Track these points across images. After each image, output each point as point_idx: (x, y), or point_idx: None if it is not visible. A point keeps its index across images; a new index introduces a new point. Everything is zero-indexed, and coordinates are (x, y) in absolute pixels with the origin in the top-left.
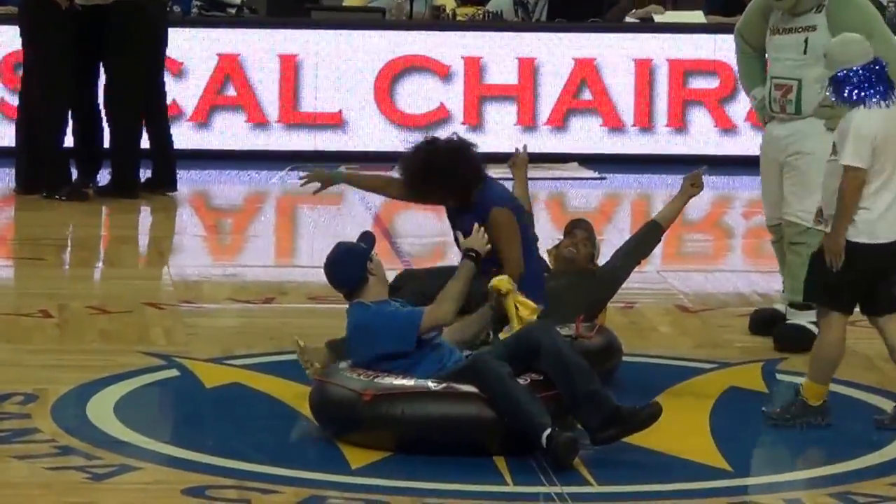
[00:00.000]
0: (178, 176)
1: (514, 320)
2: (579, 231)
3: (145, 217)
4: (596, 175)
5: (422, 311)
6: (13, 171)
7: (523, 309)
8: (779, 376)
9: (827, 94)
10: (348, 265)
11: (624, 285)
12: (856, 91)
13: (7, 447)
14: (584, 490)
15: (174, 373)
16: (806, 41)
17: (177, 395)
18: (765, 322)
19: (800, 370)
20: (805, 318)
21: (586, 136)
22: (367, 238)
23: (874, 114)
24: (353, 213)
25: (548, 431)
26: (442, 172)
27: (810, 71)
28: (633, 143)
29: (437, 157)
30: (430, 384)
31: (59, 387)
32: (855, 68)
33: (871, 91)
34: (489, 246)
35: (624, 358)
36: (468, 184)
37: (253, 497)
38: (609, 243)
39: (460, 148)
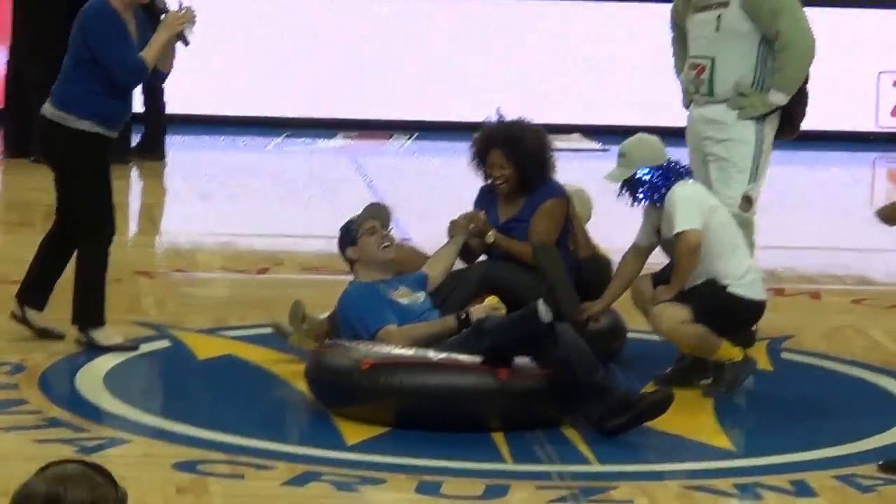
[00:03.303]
0: (169, 141)
1: None
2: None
3: (136, 182)
4: (598, 146)
5: (384, 325)
6: (1, 133)
7: None
8: (784, 355)
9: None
10: (339, 247)
11: None
12: (648, 193)
13: None
14: (584, 469)
15: (165, 343)
16: (719, 18)
17: (168, 366)
18: None
19: (806, 349)
20: None
21: (590, 107)
22: (364, 212)
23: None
24: (349, 182)
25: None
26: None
27: (723, 49)
28: (633, 115)
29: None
30: (430, 354)
31: (47, 357)
32: (649, 170)
33: (667, 183)
34: (497, 314)
35: (628, 335)
36: (550, 167)
37: (246, 472)
38: (611, 216)
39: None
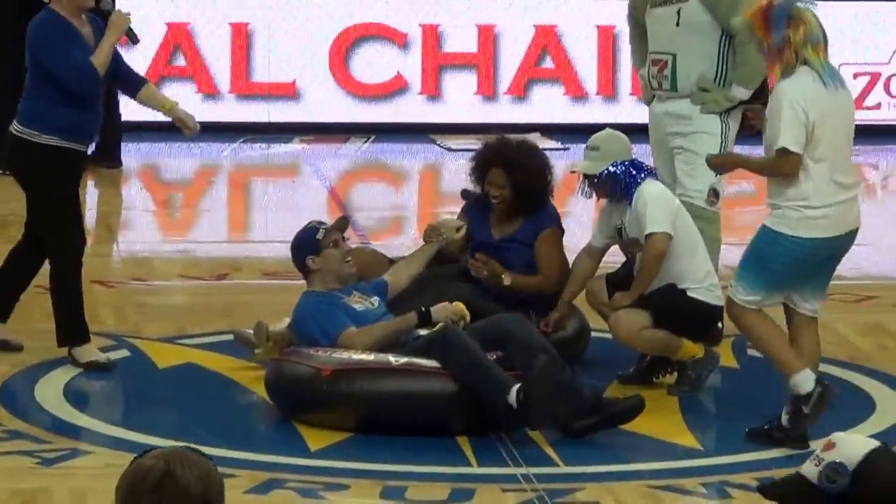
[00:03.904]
0: (125, 149)
1: None
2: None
3: (91, 191)
4: (559, 145)
5: (344, 329)
6: None
7: None
8: (750, 352)
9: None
10: (294, 254)
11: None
12: (618, 187)
13: None
14: (550, 471)
15: (125, 353)
16: (678, 13)
17: (128, 376)
18: None
19: None
20: None
21: (548, 105)
22: (335, 224)
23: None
24: (307, 186)
25: (518, 386)
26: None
27: (684, 44)
28: (596, 113)
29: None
30: (392, 359)
31: (5, 368)
32: (621, 164)
33: (638, 179)
34: (454, 320)
35: (592, 334)
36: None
37: None
38: (573, 216)
39: None
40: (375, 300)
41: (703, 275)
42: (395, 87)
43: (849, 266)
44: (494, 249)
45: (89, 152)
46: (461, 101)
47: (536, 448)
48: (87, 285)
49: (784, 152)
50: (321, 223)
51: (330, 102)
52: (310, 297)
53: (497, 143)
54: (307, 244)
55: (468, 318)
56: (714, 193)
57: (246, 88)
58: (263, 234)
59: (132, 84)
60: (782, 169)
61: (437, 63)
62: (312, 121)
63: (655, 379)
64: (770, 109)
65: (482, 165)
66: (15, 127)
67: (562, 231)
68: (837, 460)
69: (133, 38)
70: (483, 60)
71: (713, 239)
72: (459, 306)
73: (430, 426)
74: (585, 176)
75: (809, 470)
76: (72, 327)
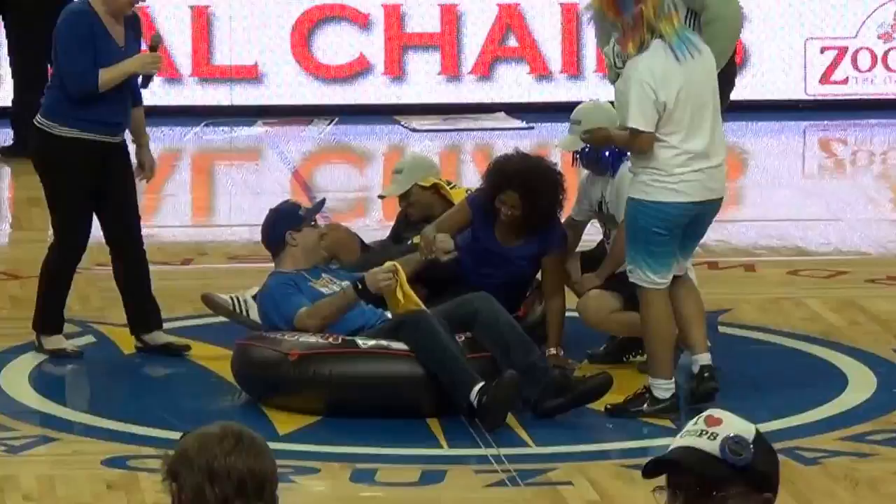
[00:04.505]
0: None
1: (394, 302)
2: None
3: None
4: (524, 125)
5: (298, 310)
6: None
7: (407, 301)
8: (721, 329)
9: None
10: (272, 227)
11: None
12: (609, 159)
13: None
14: (521, 451)
15: (91, 339)
16: None
17: (94, 362)
18: None
19: (743, 322)
20: None
21: (513, 84)
22: (316, 205)
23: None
24: (271, 169)
25: (480, 385)
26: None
27: None
28: (561, 91)
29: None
30: (359, 342)
31: None
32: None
33: (623, 156)
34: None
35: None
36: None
37: None
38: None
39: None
40: (346, 285)
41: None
42: (359, 69)
43: (819, 241)
44: (498, 258)
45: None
46: (425, 81)
47: (507, 429)
48: None
49: (635, 132)
50: (298, 203)
51: (293, 84)
52: (276, 279)
53: (517, 164)
54: (289, 218)
55: (400, 269)
56: None
57: (208, 72)
58: (228, 218)
59: (132, 96)
60: (636, 146)
61: (401, 43)
62: (275, 103)
63: (626, 359)
64: (620, 87)
65: (498, 182)
66: (37, 118)
67: (566, 250)
68: (735, 433)
69: (146, 83)
70: (446, 40)
71: None
72: (388, 264)
73: (400, 408)
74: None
75: (705, 444)
76: (49, 316)
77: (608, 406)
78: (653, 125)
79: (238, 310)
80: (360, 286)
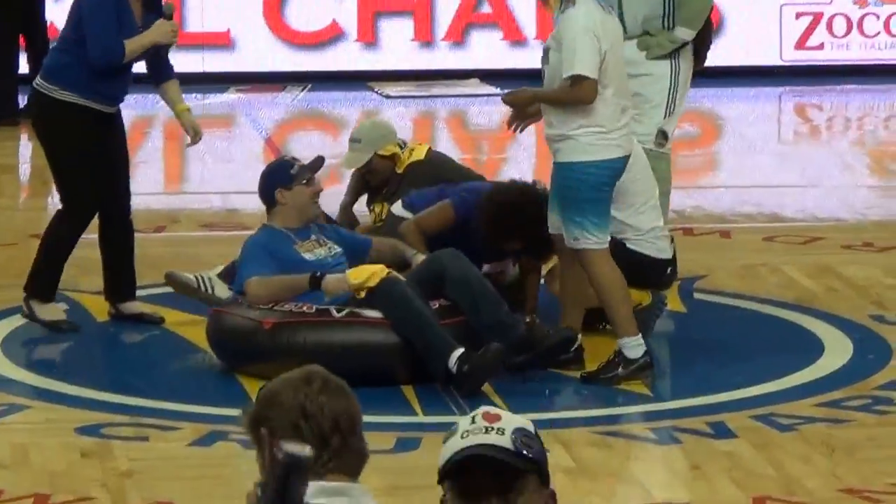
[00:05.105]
0: None
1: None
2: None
3: (25, 144)
4: (498, 91)
5: (248, 277)
6: None
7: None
8: (696, 295)
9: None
10: (266, 182)
11: None
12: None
13: None
14: None
15: (63, 306)
16: None
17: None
18: None
19: (719, 288)
20: None
21: (487, 50)
22: (314, 163)
23: None
24: (244, 137)
25: (460, 352)
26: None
27: None
28: (535, 58)
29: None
30: (333, 311)
31: None
32: None
33: None
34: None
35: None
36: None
37: (151, 434)
38: (513, 161)
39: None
40: (337, 250)
41: (648, 228)
42: (331, 35)
43: (795, 207)
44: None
45: (21, 105)
46: (398, 47)
47: (482, 396)
48: (24, 238)
49: (579, 79)
50: (296, 159)
51: (265, 51)
52: (258, 236)
53: (510, 208)
54: (280, 175)
55: (366, 288)
56: (663, 135)
57: (180, 39)
58: (200, 186)
59: (163, 72)
60: (580, 95)
61: (374, 10)
62: (248, 70)
63: (601, 326)
64: (559, 39)
65: (505, 238)
66: (36, 81)
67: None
68: (519, 426)
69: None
70: (420, 6)
71: (663, 179)
72: (354, 283)
73: (374, 376)
74: None
75: (496, 439)
76: (44, 281)
77: (583, 374)
78: (597, 72)
79: (203, 288)
80: (316, 279)
